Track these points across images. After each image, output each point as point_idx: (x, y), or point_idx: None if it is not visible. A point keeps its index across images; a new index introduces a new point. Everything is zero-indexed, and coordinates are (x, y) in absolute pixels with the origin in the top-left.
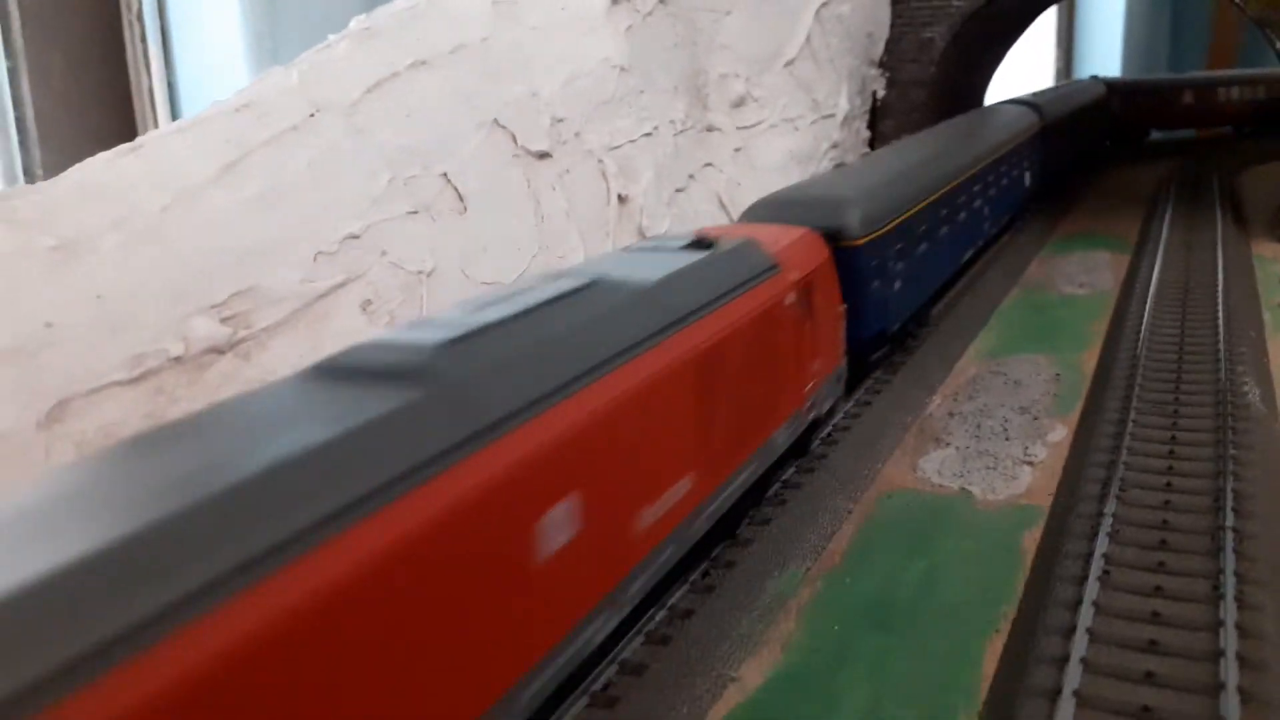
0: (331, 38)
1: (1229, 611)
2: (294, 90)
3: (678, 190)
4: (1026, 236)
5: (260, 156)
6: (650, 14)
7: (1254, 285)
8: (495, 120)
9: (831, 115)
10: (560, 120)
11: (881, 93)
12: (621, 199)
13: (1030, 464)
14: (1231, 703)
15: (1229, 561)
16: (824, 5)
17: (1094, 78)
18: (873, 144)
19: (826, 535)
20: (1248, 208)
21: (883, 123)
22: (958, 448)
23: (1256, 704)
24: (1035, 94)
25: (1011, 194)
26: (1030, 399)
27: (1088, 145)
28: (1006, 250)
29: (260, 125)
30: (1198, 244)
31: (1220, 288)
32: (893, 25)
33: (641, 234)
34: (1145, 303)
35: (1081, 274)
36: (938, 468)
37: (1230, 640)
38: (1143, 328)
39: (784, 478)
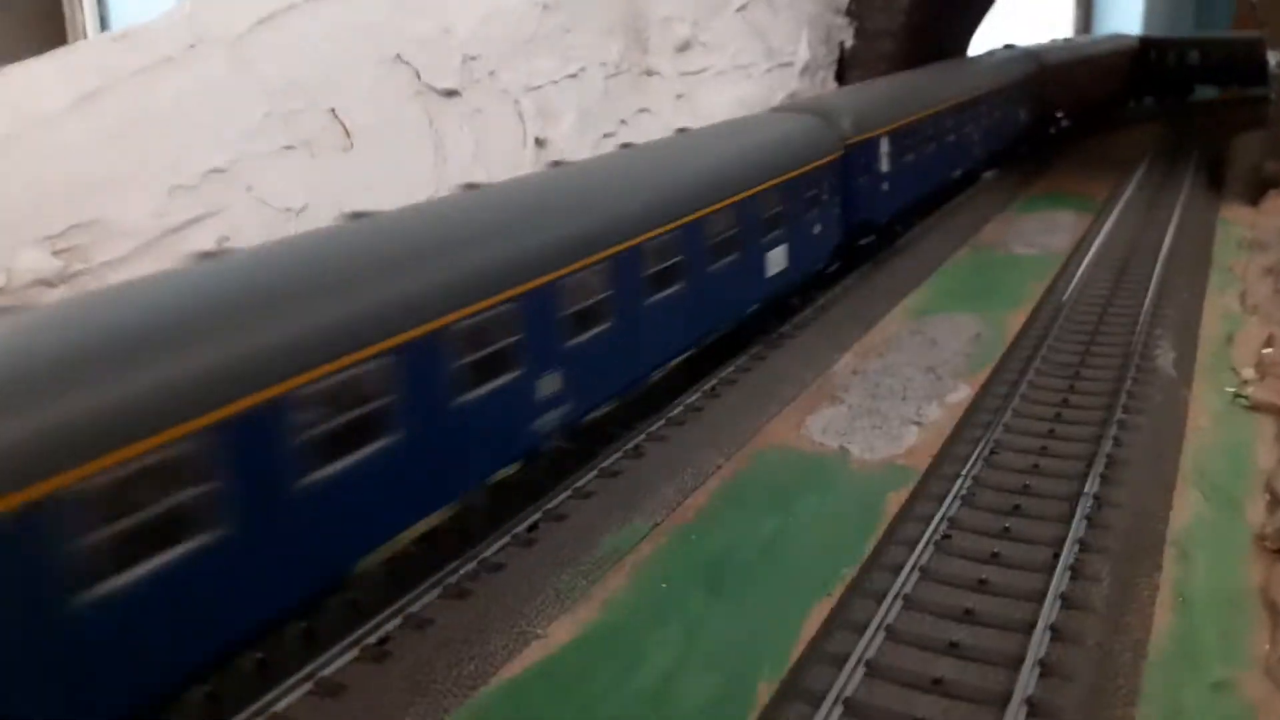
0: None
1: (1059, 582)
2: (182, 20)
3: (606, 135)
4: (992, 195)
5: (128, 87)
6: None
7: (1209, 248)
8: (398, 56)
9: (789, 64)
10: (473, 58)
11: (849, 42)
12: (539, 141)
13: (919, 424)
14: (1029, 677)
15: (1078, 530)
16: None
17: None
18: None
19: (686, 490)
20: (1230, 170)
21: (850, 73)
22: (850, 406)
23: (1057, 679)
24: (1045, 43)
25: (1006, 128)
26: (941, 359)
27: (1103, 95)
28: (964, 208)
29: (133, 55)
30: (1161, 205)
31: (1164, 250)
32: None
33: None
34: (1082, 263)
35: (1039, 234)
36: (823, 426)
37: (1049, 612)
38: (1070, 289)
39: (650, 429)
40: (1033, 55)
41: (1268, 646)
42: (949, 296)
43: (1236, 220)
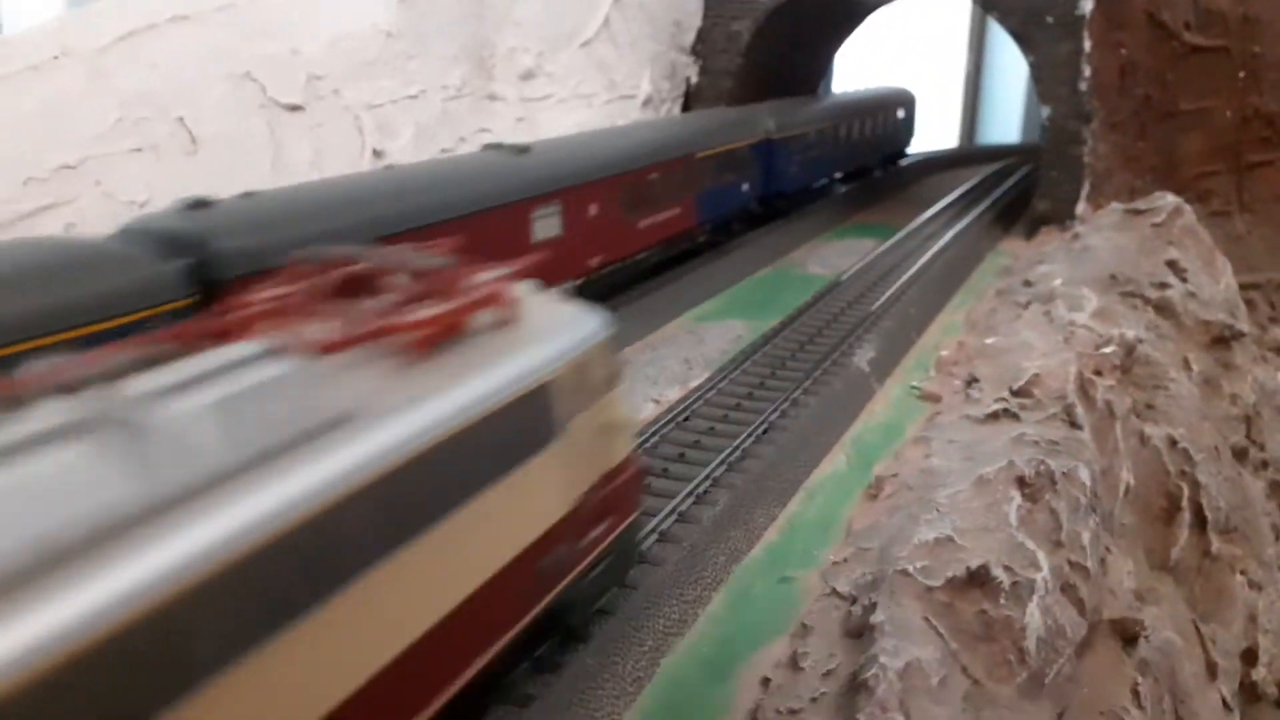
0: None
1: (680, 502)
2: (52, 33)
3: (443, 150)
4: (812, 223)
5: None
6: None
7: (969, 272)
8: (247, 73)
9: (631, 96)
10: (319, 77)
11: (695, 79)
12: (376, 153)
13: (656, 401)
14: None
15: (714, 470)
16: None
17: None
18: None
19: None
20: (1030, 210)
21: (695, 106)
22: None
23: (649, 565)
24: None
25: (889, 141)
26: (700, 354)
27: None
28: (782, 232)
29: (2, 63)
30: (950, 236)
31: (914, 269)
32: (705, 16)
33: None
34: (840, 279)
35: (835, 256)
36: None
37: (661, 522)
38: (819, 302)
39: None
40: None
41: (832, 556)
42: (734, 306)
43: (1009, 251)
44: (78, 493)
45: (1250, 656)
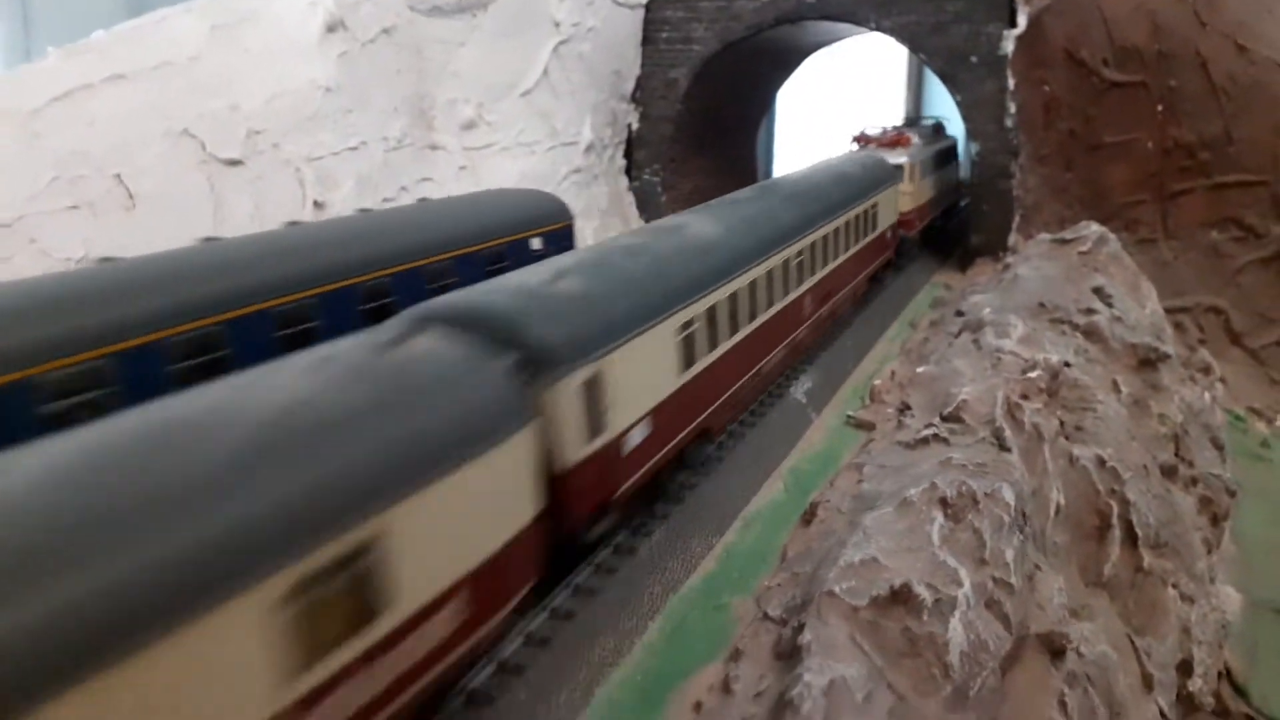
0: (50, 50)
1: (625, 539)
2: None
3: (385, 200)
4: None
5: None
6: (372, 41)
7: (904, 304)
8: (185, 130)
9: (573, 143)
10: (258, 132)
11: (635, 125)
12: (318, 204)
13: None
14: (566, 592)
15: (656, 507)
16: (563, 42)
17: None
18: (629, 171)
19: None
20: (967, 244)
21: (638, 152)
22: None
23: (584, 595)
24: None
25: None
26: None
27: None
28: None
29: None
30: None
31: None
32: (643, 65)
33: None
34: None
35: None
36: None
37: (603, 556)
38: None
39: None
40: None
41: (767, 582)
42: None
43: (944, 283)
44: None
45: (1186, 668)
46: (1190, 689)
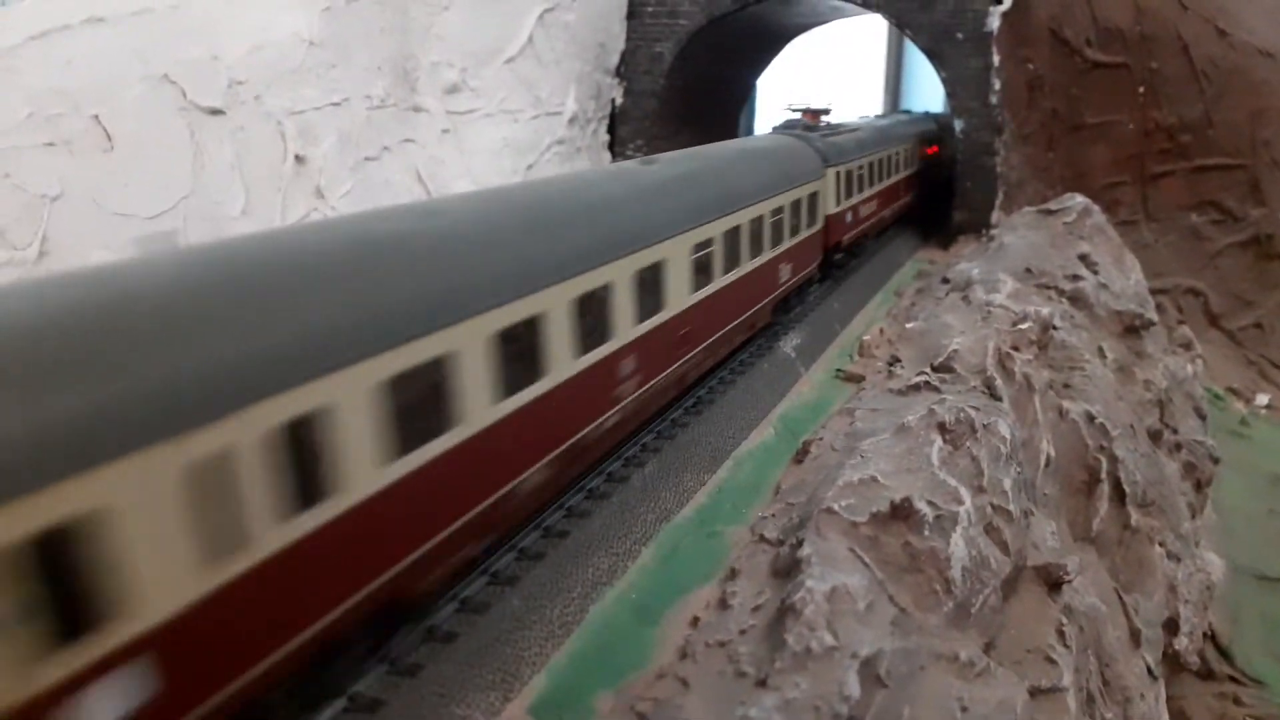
0: None
1: (614, 465)
2: None
3: (367, 158)
4: None
5: None
6: None
7: (888, 276)
8: (165, 75)
9: (557, 113)
10: (240, 82)
11: (619, 100)
12: (299, 159)
13: None
14: (558, 515)
15: (644, 439)
16: (548, 11)
17: None
18: (612, 146)
19: None
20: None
21: (621, 127)
22: None
23: (578, 517)
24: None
25: None
26: None
27: None
28: None
29: None
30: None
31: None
32: (628, 38)
33: (319, 193)
34: None
35: None
36: None
37: (593, 482)
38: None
39: None
40: None
41: (760, 512)
42: None
43: (927, 258)
44: None
45: (1172, 626)
46: (1176, 647)
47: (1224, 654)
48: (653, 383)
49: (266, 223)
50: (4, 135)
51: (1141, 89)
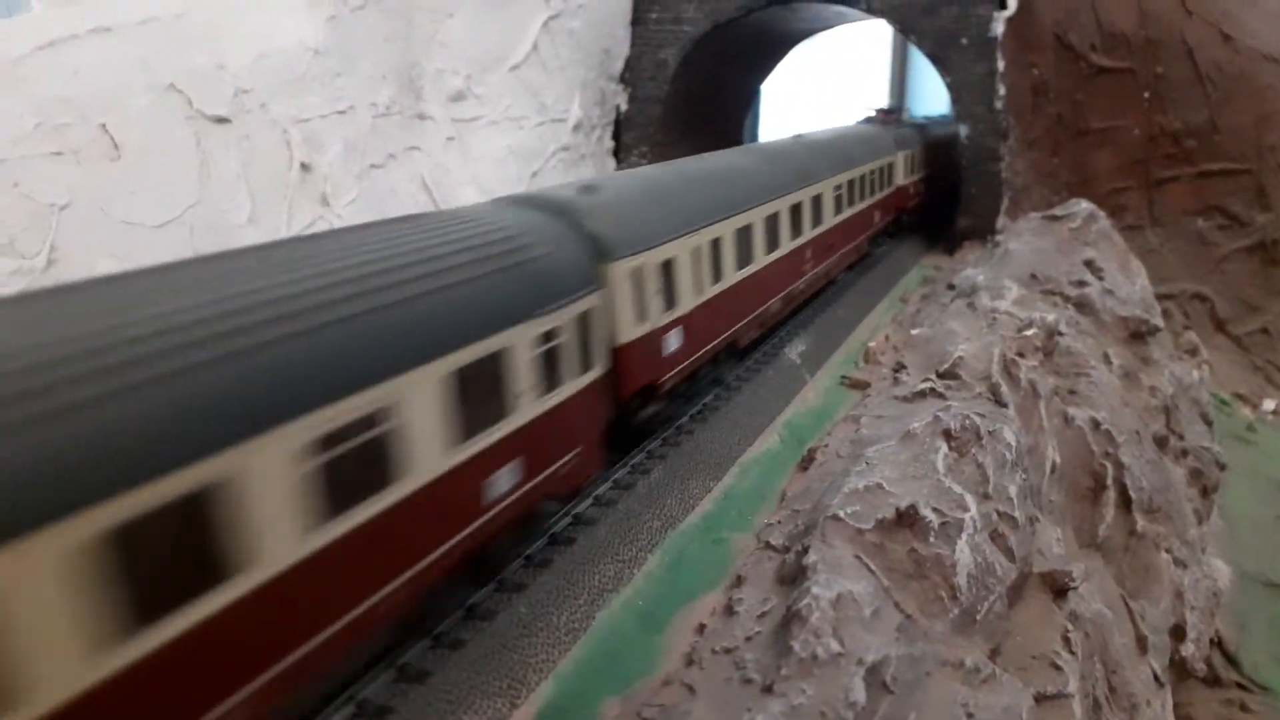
0: (35, 3)
1: (617, 472)
2: None
3: (373, 166)
4: None
5: None
6: (361, 8)
7: (894, 282)
8: (172, 84)
9: (562, 120)
10: (246, 91)
11: (624, 106)
12: (305, 167)
13: None
14: (564, 521)
15: (652, 447)
16: (553, 18)
17: None
18: (617, 153)
19: None
20: (955, 227)
21: (626, 134)
22: None
23: (584, 525)
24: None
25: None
26: None
27: None
28: None
29: None
30: (878, 251)
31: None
32: (633, 45)
33: (325, 201)
34: None
35: None
36: None
37: (597, 488)
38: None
39: None
40: None
41: (766, 519)
42: None
43: (932, 264)
44: None
45: (1179, 633)
46: (1183, 654)
47: (1231, 661)
48: (826, 264)
49: (273, 230)
50: (12, 145)
51: (1146, 94)
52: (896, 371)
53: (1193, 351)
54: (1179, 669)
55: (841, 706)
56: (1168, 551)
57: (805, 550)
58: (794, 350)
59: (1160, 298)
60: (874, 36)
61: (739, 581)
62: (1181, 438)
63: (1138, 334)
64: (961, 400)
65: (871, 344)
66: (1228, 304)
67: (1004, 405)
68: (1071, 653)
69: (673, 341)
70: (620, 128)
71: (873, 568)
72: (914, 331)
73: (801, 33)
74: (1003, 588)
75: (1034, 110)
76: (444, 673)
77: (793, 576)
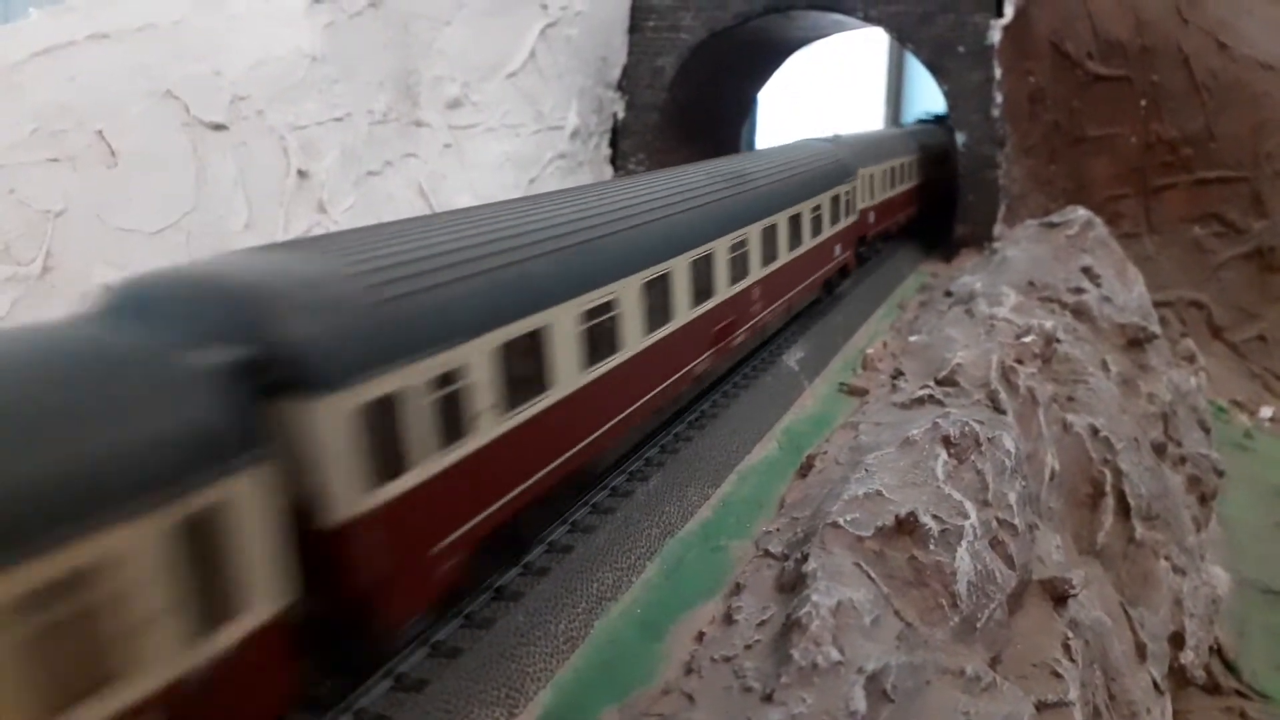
0: (32, 10)
1: (616, 479)
2: None
3: (370, 173)
4: None
5: None
6: (359, 14)
7: (892, 289)
8: (169, 91)
9: (559, 127)
10: (243, 98)
11: (621, 114)
12: (302, 174)
13: None
14: (562, 529)
15: (649, 453)
16: (551, 25)
17: None
18: (614, 160)
19: None
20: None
21: (623, 141)
22: None
23: (582, 532)
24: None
25: None
26: None
27: None
28: None
29: None
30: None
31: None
32: (630, 52)
33: (322, 207)
34: None
35: None
36: None
37: (594, 496)
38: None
39: None
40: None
41: (765, 527)
42: None
43: (930, 271)
44: None
45: (1178, 640)
46: (1182, 661)
47: (1230, 668)
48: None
49: (270, 237)
50: (8, 151)
51: (1143, 102)
52: (895, 378)
53: (1190, 359)
54: (1178, 676)
55: (842, 715)
56: (1166, 559)
57: (805, 558)
58: (792, 357)
59: (1157, 305)
60: (871, 44)
61: (738, 589)
62: (1180, 445)
63: (1135, 341)
64: (960, 407)
65: (870, 351)
66: (1225, 311)
67: (1003, 412)
68: (1072, 660)
69: None
70: (617, 135)
71: (872, 575)
72: (912, 338)
73: (799, 40)
74: (1003, 595)
75: (1031, 118)
76: (441, 681)
77: (792, 584)
